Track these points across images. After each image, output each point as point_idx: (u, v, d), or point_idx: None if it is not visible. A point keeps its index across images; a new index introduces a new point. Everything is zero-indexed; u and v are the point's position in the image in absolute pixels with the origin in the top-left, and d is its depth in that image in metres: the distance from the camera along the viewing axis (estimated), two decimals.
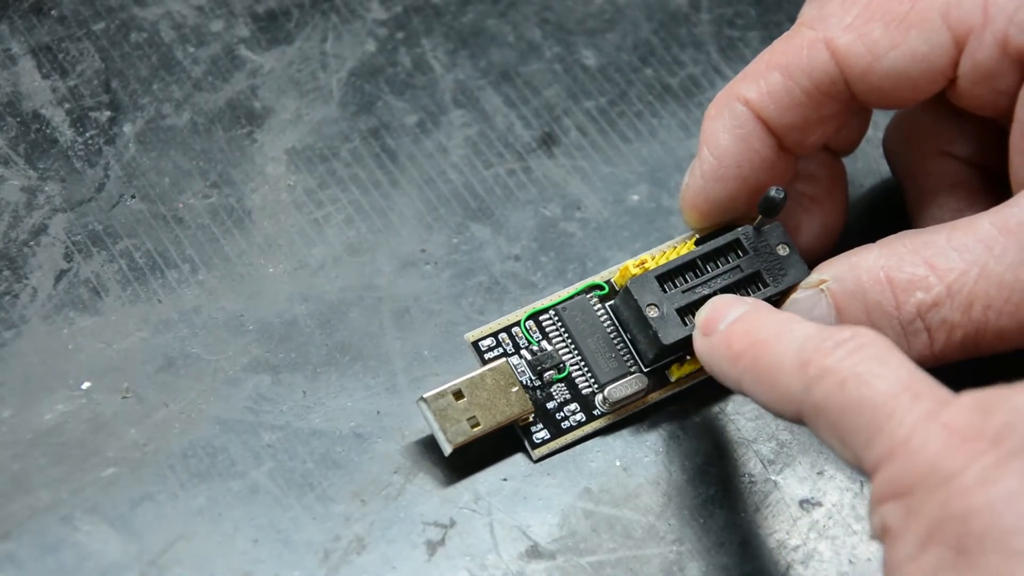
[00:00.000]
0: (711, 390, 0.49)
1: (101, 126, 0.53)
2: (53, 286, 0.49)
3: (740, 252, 0.48)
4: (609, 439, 0.48)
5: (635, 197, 0.53)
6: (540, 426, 0.48)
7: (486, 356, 0.48)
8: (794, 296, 0.46)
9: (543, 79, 0.55)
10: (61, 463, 0.46)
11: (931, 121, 0.50)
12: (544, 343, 0.48)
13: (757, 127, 0.47)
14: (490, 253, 0.52)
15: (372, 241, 0.51)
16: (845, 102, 0.47)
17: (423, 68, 0.55)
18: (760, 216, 0.47)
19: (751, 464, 0.48)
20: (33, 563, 0.44)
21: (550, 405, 0.48)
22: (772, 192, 0.46)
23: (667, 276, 0.47)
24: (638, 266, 0.48)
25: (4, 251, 0.50)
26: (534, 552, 0.46)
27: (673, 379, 0.48)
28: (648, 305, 0.47)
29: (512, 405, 0.47)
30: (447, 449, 0.46)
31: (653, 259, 0.48)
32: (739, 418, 0.49)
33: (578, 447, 0.48)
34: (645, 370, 0.48)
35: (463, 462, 0.47)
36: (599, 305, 0.49)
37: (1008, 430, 0.36)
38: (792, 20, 0.48)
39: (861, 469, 0.39)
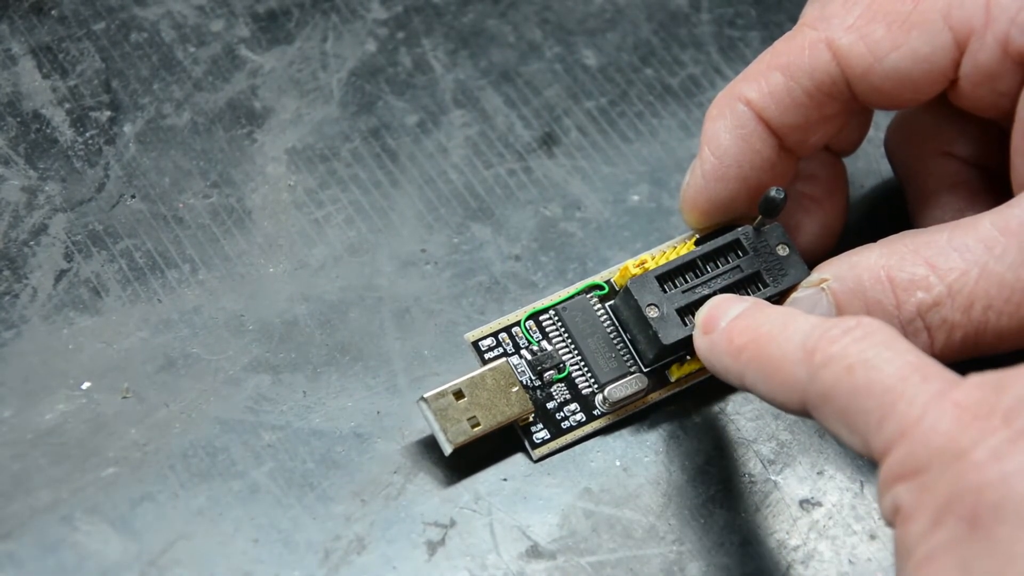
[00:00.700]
0: (711, 390, 0.49)
1: (101, 126, 0.53)
2: (53, 286, 0.49)
3: (740, 252, 0.48)
4: (609, 439, 0.48)
5: (635, 197, 0.53)
6: (540, 426, 0.48)
7: (486, 356, 0.48)
8: (795, 295, 0.46)
9: (543, 79, 0.55)
10: (61, 463, 0.46)
11: (932, 121, 0.50)
12: (544, 343, 0.48)
13: (758, 127, 0.47)
14: (490, 253, 0.52)
15: (372, 241, 0.51)
16: (846, 103, 0.47)
17: (423, 68, 0.55)
18: (760, 216, 0.47)
19: (751, 464, 0.48)
20: (33, 563, 0.44)
21: (550, 405, 0.48)
22: (772, 192, 0.46)
23: (667, 276, 0.47)
24: (638, 266, 0.48)
25: (4, 251, 0.50)
26: (534, 552, 0.46)
27: (673, 379, 0.48)
28: (648, 305, 0.47)
29: (512, 405, 0.47)
30: (447, 449, 0.46)
31: (653, 259, 0.48)
32: (739, 418, 0.49)
33: (578, 447, 0.48)
34: (645, 370, 0.48)
35: (463, 462, 0.47)
36: (599, 305, 0.49)
37: (1020, 406, 0.37)
38: (792, 20, 0.49)
39: (870, 454, 0.39)
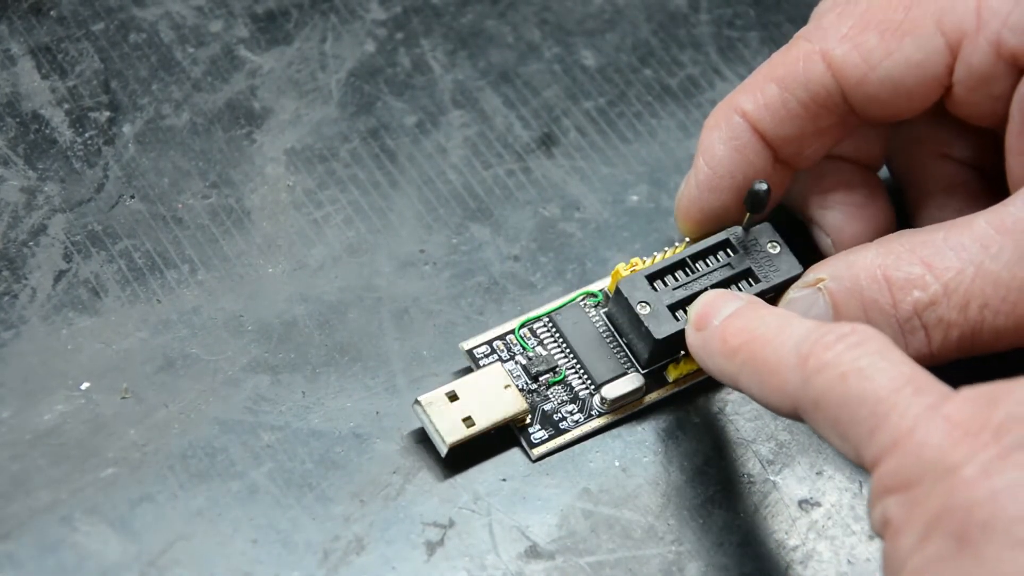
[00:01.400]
0: (709, 390, 0.49)
1: (100, 126, 0.53)
2: (52, 286, 0.49)
3: (730, 252, 0.48)
4: (608, 439, 0.48)
5: (634, 198, 0.53)
6: (538, 426, 0.48)
7: (481, 364, 0.48)
8: (791, 295, 0.46)
9: (542, 80, 0.55)
10: (61, 463, 0.46)
11: (930, 124, 0.50)
12: (539, 348, 0.49)
13: (752, 139, 0.47)
14: (489, 254, 0.52)
15: (371, 241, 0.51)
16: (842, 115, 0.47)
17: (422, 69, 0.55)
18: (748, 214, 0.47)
19: (750, 464, 0.48)
20: (33, 563, 0.44)
21: (548, 406, 0.48)
22: (755, 186, 0.46)
23: (657, 275, 0.47)
24: (628, 269, 0.48)
25: (3, 251, 0.50)
26: (533, 552, 0.46)
27: (671, 379, 0.49)
28: (639, 303, 0.47)
29: (507, 404, 0.47)
30: (443, 450, 0.46)
31: (644, 263, 0.49)
32: (738, 418, 0.49)
33: (577, 447, 0.48)
34: (642, 372, 0.48)
35: (462, 462, 0.47)
36: (593, 311, 0.49)
37: (1011, 422, 0.37)
38: (791, 21, 0.49)
39: (861, 463, 0.39)
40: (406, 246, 0.51)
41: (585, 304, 0.49)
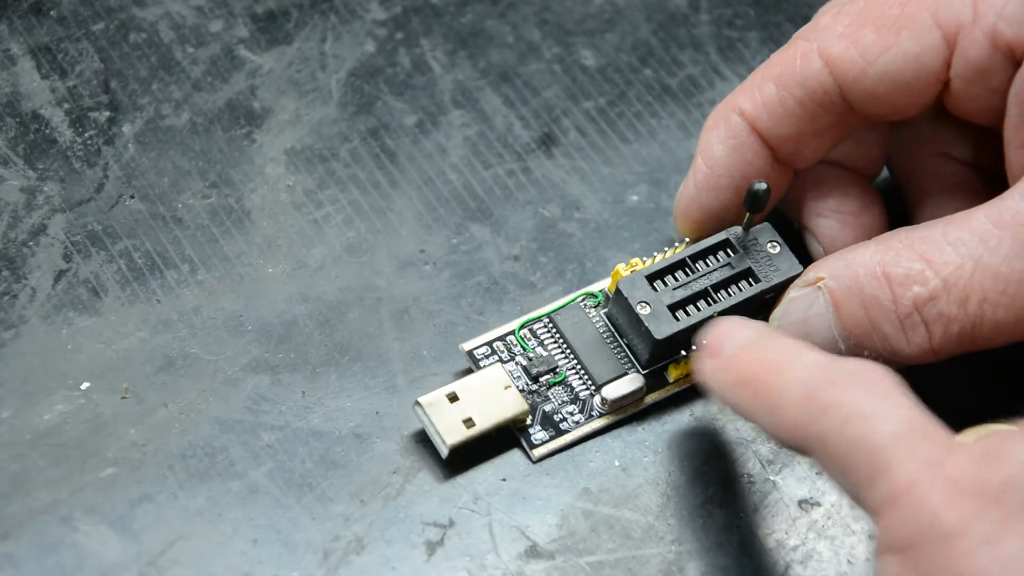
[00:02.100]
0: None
1: (100, 126, 0.53)
2: (52, 286, 0.49)
3: (730, 252, 0.48)
4: (608, 439, 0.48)
5: (634, 198, 0.53)
6: (538, 427, 0.48)
7: (481, 364, 0.48)
8: (791, 295, 0.46)
9: (542, 80, 0.55)
10: (60, 463, 0.46)
11: (930, 123, 0.50)
12: (539, 349, 0.49)
13: (751, 138, 0.47)
14: (489, 253, 0.52)
15: (371, 241, 0.51)
16: (840, 114, 0.47)
17: (422, 68, 0.55)
18: (748, 214, 0.47)
19: (750, 464, 0.48)
20: (33, 563, 0.44)
21: (548, 407, 0.48)
22: (754, 186, 0.46)
23: (657, 275, 0.47)
24: (628, 269, 0.48)
25: (3, 251, 0.50)
26: (533, 552, 0.46)
27: (671, 380, 0.49)
28: (639, 303, 0.47)
29: (507, 405, 0.47)
30: (444, 451, 0.46)
31: (644, 263, 0.49)
32: (738, 419, 0.49)
33: (577, 447, 0.48)
34: (642, 373, 0.48)
35: (462, 462, 0.47)
36: (593, 312, 0.49)
37: (1011, 485, 0.36)
38: (791, 20, 0.49)
39: (864, 508, 0.39)
40: (406, 246, 0.51)
41: (585, 304, 0.50)
